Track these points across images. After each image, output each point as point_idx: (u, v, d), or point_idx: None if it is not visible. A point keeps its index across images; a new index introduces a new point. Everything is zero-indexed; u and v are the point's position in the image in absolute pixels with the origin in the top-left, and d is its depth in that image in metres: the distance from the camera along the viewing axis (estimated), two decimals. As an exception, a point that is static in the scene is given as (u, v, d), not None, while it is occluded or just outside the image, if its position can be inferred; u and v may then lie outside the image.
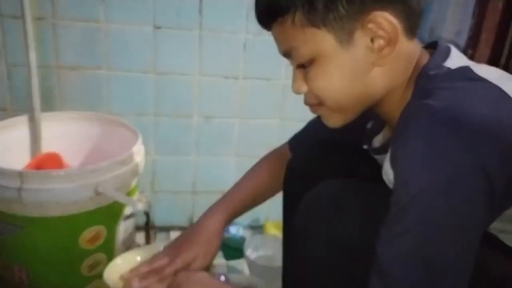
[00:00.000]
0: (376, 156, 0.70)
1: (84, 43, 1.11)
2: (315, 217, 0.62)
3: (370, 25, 0.53)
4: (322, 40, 0.54)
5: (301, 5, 0.53)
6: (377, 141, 0.71)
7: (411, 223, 0.46)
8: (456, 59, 0.56)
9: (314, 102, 0.61)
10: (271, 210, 1.36)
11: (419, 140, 0.47)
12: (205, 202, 1.30)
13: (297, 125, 1.27)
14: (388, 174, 0.57)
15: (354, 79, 0.56)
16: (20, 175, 0.79)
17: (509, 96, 0.49)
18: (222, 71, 1.19)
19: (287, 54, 0.59)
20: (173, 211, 1.31)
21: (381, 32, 0.53)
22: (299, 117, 1.26)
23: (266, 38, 1.14)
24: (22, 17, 0.97)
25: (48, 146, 1.05)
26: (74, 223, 0.85)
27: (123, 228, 0.95)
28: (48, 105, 1.12)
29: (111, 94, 1.16)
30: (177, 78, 1.18)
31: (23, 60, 1.03)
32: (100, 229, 0.89)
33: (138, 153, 0.94)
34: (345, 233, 0.58)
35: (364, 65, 0.55)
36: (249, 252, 1.07)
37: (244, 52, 1.18)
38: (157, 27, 1.12)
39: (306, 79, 0.59)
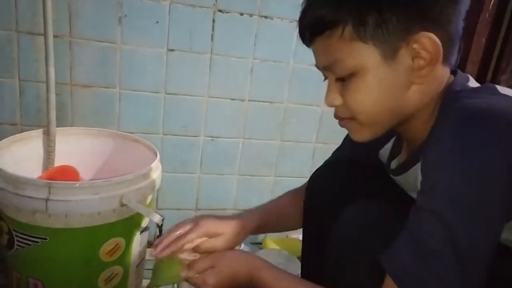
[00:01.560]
0: (396, 178, 0.73)
1: (98, 62, 1.15)
2: (354, 241, 0.64)
3: (415, 45, 0.55)
4: (368, 55, 0.56)
5: (351, 20, 0.56)
6: (394, 163, 0.75)
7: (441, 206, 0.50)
8: (475, 83, 0.62)
9: (347, 115, 0.62)
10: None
11: (449, 135, 0.51)
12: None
13: (297, 146, 1.36)
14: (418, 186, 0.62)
15: (392, 94, 0.58)
16: (49, 185, 0.81)
17: None
18: (229, 93, 1.26)
19: (328, 67, 0.61)
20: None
21: (424, 53, 0.55)
22: (299, 138, 1.35)
23: (271, 64, 1.24)
24: (45, 34, 1.01)
25: (60, 160, 1.07)
26: (96, 234, 0.87)
27: (139, 241, 0.98)
28: (60, 121, 1.14)
29: (122, 112, 1.20)
30: (186, 99, 1.23)
31: (35, 76, 1.05)
32: (119, 241, 0.91)
33: (157, 168, 0.98)
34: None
35: (403, 82, 0.58)
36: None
37: (251, 76, 1.25)
38: (171, 50, 1.18)
39: (342, 92, 0.61)
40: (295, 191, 0.92)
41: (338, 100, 0.62)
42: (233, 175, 1.34)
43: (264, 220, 0.82)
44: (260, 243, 1.40)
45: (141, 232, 0.98)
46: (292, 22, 1.22)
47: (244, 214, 0.82)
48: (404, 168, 0.68)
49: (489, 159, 0.49)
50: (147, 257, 1.12)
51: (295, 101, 1.30)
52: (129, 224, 0.93)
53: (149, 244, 1.06)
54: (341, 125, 0.66)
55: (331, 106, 0.64)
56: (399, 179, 0.73)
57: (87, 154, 1.11)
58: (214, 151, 1.30)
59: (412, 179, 0.68)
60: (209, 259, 0.71)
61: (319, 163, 1.37)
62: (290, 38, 1.24)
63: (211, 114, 1.26)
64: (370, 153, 0.82)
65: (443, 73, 0.61)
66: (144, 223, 0.98)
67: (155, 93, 1.21)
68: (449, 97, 0.59)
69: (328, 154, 1.40)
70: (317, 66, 0.64)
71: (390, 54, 0.56)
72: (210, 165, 1.31)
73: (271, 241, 1.37)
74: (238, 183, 1.35)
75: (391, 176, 0.76)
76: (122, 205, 0.86)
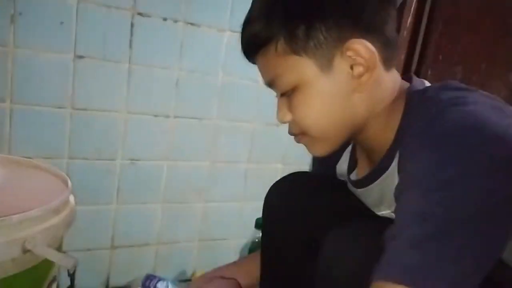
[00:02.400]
0: (358, 190, 0.70)
1: (-19, 69, 0.90)
2: (343, 259, 0.58)
3: (349, 53, 0.55)
4: (304, 67, 0.56)
5: (282, 34, 0.55)
6: (354, 176, 0.72)
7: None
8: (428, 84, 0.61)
9: (298, 131, 0.62)
10: (199, 262, 1.26)
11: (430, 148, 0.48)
12: (124, 258, 1.14)
13: (228, 167, 1.23)
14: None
15: (336, 104, 0.57)
16: None
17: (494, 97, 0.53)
18: (151, 109, 1.09)
19: (271, 83, 0.60)
20: (87, 273, 1.09)
21: (359, 60, 0.55)
22: (230, 158, 1.23)
23: (199, 76, 1.12)
24: None
25: None
26: (-14, 296, 0.63)
27: (46, 297, 0.75)
28: None
29: (14, 133, 0.96)
30: (99, 115, 1.03)
31: None
32: (20, 301, 0.68)
33: (69, 200, 0.77)
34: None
35: (345, 91, 0.57)
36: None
37: (177, 89, 1.11)
38: (79, 56, 0.98)
39: (290, 107, 0.60)
40: None
41: (288, 116, 0.61)
42: (157, 203, 1.16)
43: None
44: (189, 280, 1.23)
45: (50, 284, 0.75)
46: (220, 31, 1.12)
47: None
48: (369, 179, 0.65)
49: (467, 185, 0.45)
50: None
51: (225, 117, 1.19)
52: (32, 277, 0.70)
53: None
54: (297, 141, 0.64)
55: (282, 122, 0.63)
56: (361, 192, 0.69)
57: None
58: (133, 177, 1.11)
59: (377, 191, 0.65)
60: None
61: (253, 185, 1.28)
62: (219, 48, 1.13)
63: (130, 133, 1.08)
64: (328, 167, 0.79)
65: (389, 79, 0.59)
66: (52, 273, 0.75)
67: (59, 108, 0.99)
68: (413, 98, 0.57)
69: (261, 175, 1.31)
70: (263, 82, 0.63)
71: (326, 64, 0.55)
72: (129, 193, 1.11)
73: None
74: (162, 213, 1.17)
75: (352, 188, 0.72)
76: (25, 251, 0.64)
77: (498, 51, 1.14)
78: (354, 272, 0.56)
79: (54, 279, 0.77)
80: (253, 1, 0.60)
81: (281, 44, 0.56)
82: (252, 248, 1.17)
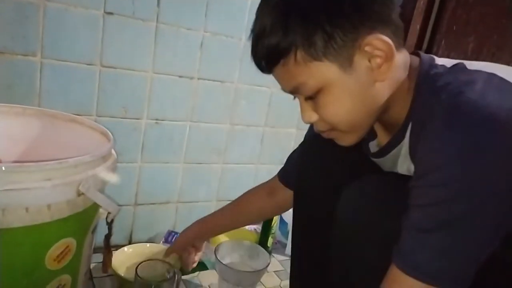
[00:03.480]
0: (376, 160, 0.73)
1: (14, 20, 0.90)
2: (364, 215, 0.62)
3: (367, 48, 0.57)
4: (326, 71, 0.57)
5: (301, 44, 0.56)
6: (373, 146, 0.75)
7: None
8: (442, 60, 0.62)
9: (326, 128, 0.64)
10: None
11: (453, 133, 0.50)
12: (146, 215, 1.17)
13: (246, 130, 1.26)
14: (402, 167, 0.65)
15: (360, 98, 0.60)
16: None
17: (506, 80, 0.55)
18: (177, 70, 1.10)
19: (293, 91, 0.62)
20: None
21: (378, 52, 0.57)
22: (248, 122, 1.26)
23: (223, 38, 1.13)
24: None
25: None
26: (43, 235, 0.66)
27: (90, 242, 0.78)
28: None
29: (44, 88, 0.96)
30: (127, 74, 1.04)
31: None
32: (70, 242, 0.71)
33: (113, 152, 0.80)
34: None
35: (367, 83, 0.59)
36: (220, 257, 0.99)
37: (201, 51, 1.12)
38: (108, 13, 0.98)
39: (315, 108, 0.62)
40: (259, 188, 0.97)
41: (314, 117, 0.63)
42: (179, 163, 1.19)
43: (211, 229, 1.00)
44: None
45: (93, 231, 0.78)
46: (245, -6, 1.13)
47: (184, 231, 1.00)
48: (386, 151, 0.69)
49: (489, 159, 0.48)
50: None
51: (245, 82, 1.21)
52: (82, 221, 0.73)
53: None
54: (325, 137, 0.66)
55: (308, 123, 0.66)
56: (378, 161, 0.73)
57: (1, 138, 0.86)
58: (157, 136, 1.13)
59: (390, 162, 0.70)
60: None
61: (268, 148, 1.32)
62: (243, 12, 1.14)
63: (155, 92, 1.09)
64: None
65: (402, 59, 0.62)
66: (96, 220, 0.79)
67: (89, 65, 1.00)
68: (426, 85, 0.59)
69: (276, 139, 1.35)
70: (283, 90, 0.64)
71: (347, 64, 0.57)
72: (153, 152, 1.14)
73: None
74: (183, 172, 1.20)
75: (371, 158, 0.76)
76: (80, 194, 0.67)
77: (510, 23, 1.18)
78: (373, 221, 0.61)
79: (95, 227, 0.80)
80: (260, 13, 0.60)
81: (300, 53, 0.57)
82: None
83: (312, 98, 0.61)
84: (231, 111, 1.22)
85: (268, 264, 1.01)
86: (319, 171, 0.77)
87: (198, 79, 1.14)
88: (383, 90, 0.60)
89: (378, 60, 0.57)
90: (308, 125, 0.84)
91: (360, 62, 0.57)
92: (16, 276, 0.65)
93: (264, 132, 1.30)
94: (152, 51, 1.06)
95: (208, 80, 1.16)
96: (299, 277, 0.84)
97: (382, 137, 0.72)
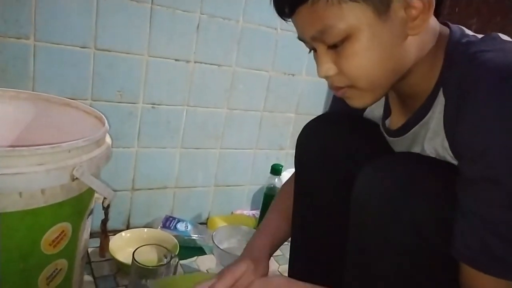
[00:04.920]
0: (392, 139, 0.70)
1: (7, 5, 0.88)
2: (389, 197, 0.57)
3: None
4: (360, 14, 0.52)
5: None
6: (388, 123, 0.71)
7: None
8: (472, 33, 0.60)
9: (344, 84, 0.58)
10: (214, 206, 1.30)
11: (488, 98, 0.48)
12: (143, 200, 1.17)
13: (244, 115, 1.25)
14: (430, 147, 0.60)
15: (390, 52, 0.55)
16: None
17: None
18: (173, 53, 1.09)
19: (316, 37, 0.56)
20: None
21: (415, 2, 0.53)
22: (246, 106, 1.25)
23: (220, 21, 1.11)
24: None
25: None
26: (38, 220, 0.65)
27: (86, 227, 0.78)
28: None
29: (38, 71, 0.95)
30: (122, 57, 1.03)
31: None
32: (66, 227, 0.71)
33: (107, 136, 0.79)
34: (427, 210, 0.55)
35: (400, 36, 0.55)
36: (218, 242, 1.00)
37: (197, 33, 1.10)
38: (102, -6, 0.96)
39: (336, 60, 0.57)
40: (288, 184, 0.86)
41: (332, 70, 0.57)
42: (176, 148, 1.18)
43: (277, 239, 0.82)
44: (205, 223, 1.28)
45: (88, 215, 0.78)
46: (242, -25, 1.11)
47: (257, 242, 0.80)
48: (405, 129, 0.65)
49: None
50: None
51: (243, 65, 1.19)
52: (77, 205, 0.72)
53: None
54: (338, 95, 0.61)
55: (325, 77, 0.59)
56: (394, 140, 0.69)
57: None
58: (154, 121, 1.12)
59: (408, 140, 0.65)
60: None
61: (266, 133, 1.31)
62: (240, -8, 1.12)
63: (151, 76, 1.08)
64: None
65: (435, 23, 0.59)
66: (91, 205, 0.78)
67: (83, 48, 0.98)
68: (458, 52, 0.56)
69: (274, 124, 1.33)
70: (301, 38, 0.59)
71: (383, 9, 0.52)
72: (150, 137, 1.13)
73: (218, 218, 1.25)
74: (180, 157, 1.19)
75: (384, 135, 0.72)
76: (74, 179, 0.66)
77: (513, 5, 1.16)
78: (387, 200, 0.56)
79: (91, 212, 0.80)
80: None
81: None
82: (267, 193, 1.21)
83: (335, 47, 0.55)
84: (228, 95, 1.21)
85: (266, 248, 1.01)
86: (318, 154, 0.75)
87: (195, 62, 1.12)
88: (411, 48, 0.56)
89: (414, 12, 0.53)
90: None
91: (397, 10, 0.53)
92: (12, 261, 0.65)
93: (262, 116, 1.28)
94: (148, 34, 1.04)
95: (205, 63, 1.14)
96: (298, 262, 0.83)
97: (397, 115, 0.69)
